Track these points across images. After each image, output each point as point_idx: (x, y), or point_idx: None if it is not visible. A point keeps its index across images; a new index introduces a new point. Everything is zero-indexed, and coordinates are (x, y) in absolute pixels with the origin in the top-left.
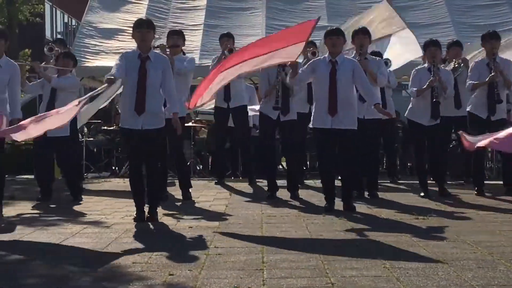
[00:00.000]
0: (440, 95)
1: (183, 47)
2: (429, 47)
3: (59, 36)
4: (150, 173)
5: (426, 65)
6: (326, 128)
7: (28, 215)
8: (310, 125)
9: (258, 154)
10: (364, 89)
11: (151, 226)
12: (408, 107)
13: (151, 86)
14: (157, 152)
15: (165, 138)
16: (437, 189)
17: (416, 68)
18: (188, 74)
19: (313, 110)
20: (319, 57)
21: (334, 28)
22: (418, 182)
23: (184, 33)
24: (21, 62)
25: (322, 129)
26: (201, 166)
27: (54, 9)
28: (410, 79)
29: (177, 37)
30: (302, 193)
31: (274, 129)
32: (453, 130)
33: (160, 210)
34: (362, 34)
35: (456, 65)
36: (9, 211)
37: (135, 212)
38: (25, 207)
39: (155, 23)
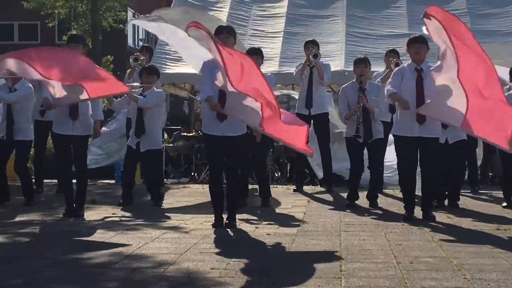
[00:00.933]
0: None
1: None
2: None
3: (141, 43)
4: (230, 179)
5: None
6: (412, 137)
7: (109, 219)
8: (392, 133)
9: None
10: None
11: (230, 232)
12: None
13: (233, 92)
14: (237, 158)
15: (246, 145)
16: None
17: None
18: None
19: (397, 118)
20: (403, 65)
21: (417, 35)
22: (499, 192)
23: (264, 40)
24: None
25: (407, 138)
26: (279, 173)
27: (136, 16)
28: None
29: (256, 56)
30: (381, 202)
31: (362, 150)
32: None
33: (238, 217)
34: None
35: None
36: (91, 215)
37: (214, 218)
38: (106, 212)
39: (235, 30)
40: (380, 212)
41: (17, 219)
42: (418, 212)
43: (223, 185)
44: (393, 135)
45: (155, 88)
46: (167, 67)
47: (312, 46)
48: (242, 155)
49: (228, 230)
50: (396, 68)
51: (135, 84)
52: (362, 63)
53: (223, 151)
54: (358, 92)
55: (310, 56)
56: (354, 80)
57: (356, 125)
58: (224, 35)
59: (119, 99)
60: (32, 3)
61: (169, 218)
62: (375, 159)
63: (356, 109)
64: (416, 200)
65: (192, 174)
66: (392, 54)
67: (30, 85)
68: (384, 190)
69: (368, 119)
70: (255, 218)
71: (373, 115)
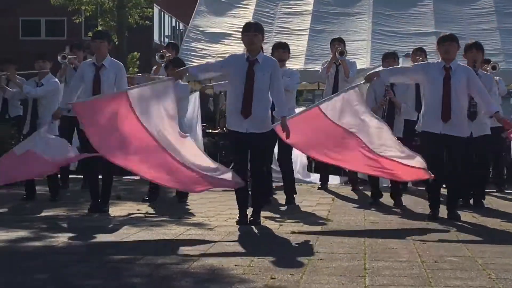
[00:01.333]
0: None
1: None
2: None
3: (167, 40)
4: (255, 176)
5: None
6: (436, 133)
7: (134, 215)
8: (417, 129)
9: None
10: (481, 97)
11: (254, 230)
12: None
13: (258, 89)
14: (262, 155)
15: (271, 142)
16: None
17: None
18: (294, 88)
19: (422, 114)
20: (428, 62)
21: (447, 34)
22: None
23: (290, 37)
24: (133, 75)
25: (431, 134)
26: None
27: (162, 13)
28: None
29: (282, 50)
30: (406, 200)
31: None
32: None
33: (263, 214)
34: (476, 49)
35: None
36: (116, 211)
37: (238, 215)
38: (131, 208)
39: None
40: (405, 211)
41: (43, 214)
42: (443, 211)
43: (247, 182)
44: (419, 132)
45: (180, 81)
46: (193, 64)
47: (338, 43)
48: (267, 152)
49: (252, 227)
50: (422, 62)
51: (160, 76)
52: (390, 58)
53: (247, 147)
54: (385, 87)
55: (336, 53)
56: None
57: (381, 117)
58: (252, 33)
59: None
60: None
61: (193, 214)
62: None
63: (383, 103)
64: (441, 199)
65: None
66: (419, 52)
67: (57, 80)
68: (408, 188)
69: (393, 114)
70: (279, 215)
71: (399, 110)
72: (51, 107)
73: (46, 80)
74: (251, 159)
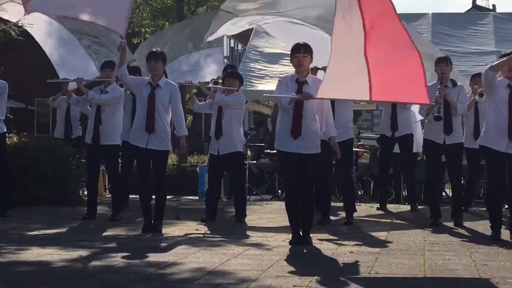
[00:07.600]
0: None
1: None
2: None
3: (225, 61)
4: (303, 196)
5: None
6: (500, 152)
7: (193, 235)
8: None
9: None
10: None
11: (313, 250)
12: None
13: (307, 109)
14: (313, 176)
15: (323, 163)
16: None
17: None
18: None
19: (485, 131)
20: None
21: (510, 51)
22: None
23: None
24: (187, 83)
25: (494, 152)
26: (362, 191)
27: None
28: None
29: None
30: (467, 221)
31: (440, 155)
32: None
33: (322, 234)
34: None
35: None
36: (174, 231)
37: (291, 235)
38: (189, 227)
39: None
40: (465, 231)
41: (103, 233)
42: (505, 232)
43: (297, 202)
44: (480, 145)
45: (236, 92)
46: (251, 84)
47: None
48: (316, 173)
49: (312, 247)
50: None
51: (217, 86)
52: (442, 62)
53: (297, 167)
54: (440, 85)
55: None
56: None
57: (438, 109)
58: (301, 54)
59: (202, 102)
60: None
61: (251, 235)
62: (455, 167)
63: (438, 98)
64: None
65: (276, 192)
66: (478, 79)
67: (121, 88)
68: (469, 209)
69: (449, 112)
70: (339, 235)
71: (455, 110)
72: (115, 115)
73: (111, 88)
74: (298, 179)
